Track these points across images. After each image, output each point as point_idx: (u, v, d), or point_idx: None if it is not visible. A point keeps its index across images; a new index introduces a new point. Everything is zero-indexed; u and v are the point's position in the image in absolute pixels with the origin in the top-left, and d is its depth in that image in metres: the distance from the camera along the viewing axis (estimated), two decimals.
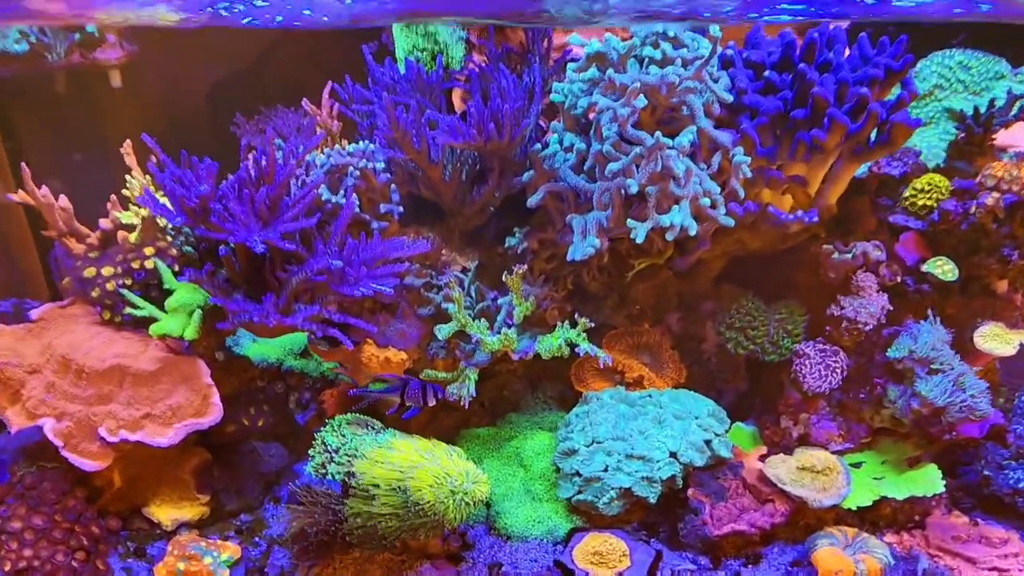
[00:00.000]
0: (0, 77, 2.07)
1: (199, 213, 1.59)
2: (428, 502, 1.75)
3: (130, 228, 1.96)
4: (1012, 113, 1.90)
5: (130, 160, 1.98)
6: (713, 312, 2.13)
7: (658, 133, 1.59)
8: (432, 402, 1.76)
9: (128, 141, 1.98)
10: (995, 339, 1.93)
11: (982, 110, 1.90)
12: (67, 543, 1.88)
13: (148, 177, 1.90)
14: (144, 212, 1.90)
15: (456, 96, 2.12)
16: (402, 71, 2.05)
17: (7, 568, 1.84)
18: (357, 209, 1.86)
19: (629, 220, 1.66)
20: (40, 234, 2.17)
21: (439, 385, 1.80)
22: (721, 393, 2.17)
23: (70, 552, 1.87)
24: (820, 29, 1.80)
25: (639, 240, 1.65)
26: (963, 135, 1.96)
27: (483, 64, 2.06)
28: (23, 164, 1.85)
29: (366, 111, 2.06)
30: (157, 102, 2.24)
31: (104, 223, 1.95)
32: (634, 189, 1.65)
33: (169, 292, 1.92)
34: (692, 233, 1.65)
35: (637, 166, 1.66)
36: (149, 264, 1.89)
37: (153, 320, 1.89)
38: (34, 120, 2.20)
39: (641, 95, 1.62)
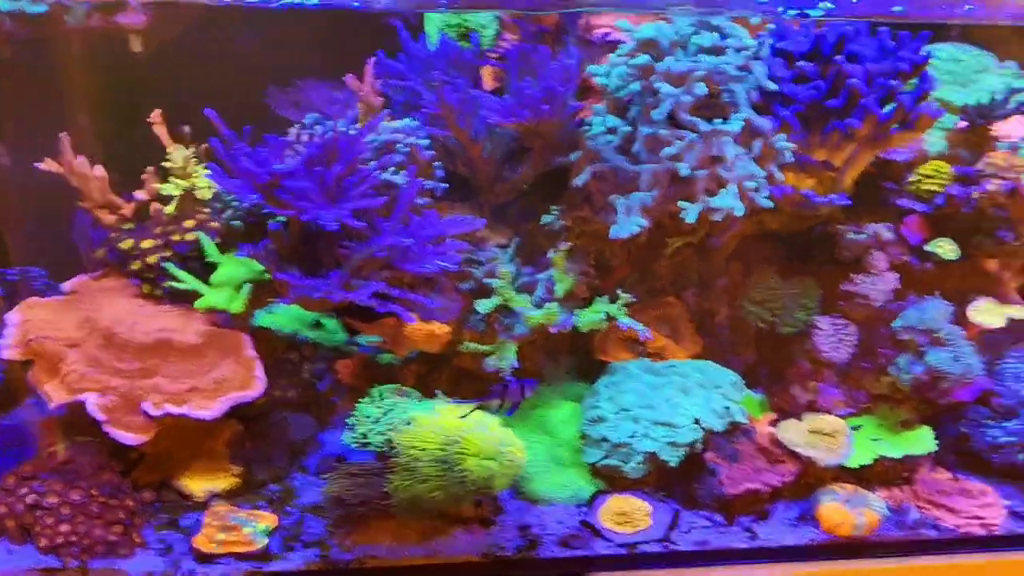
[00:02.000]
0: (15, 39, 1.99)
1: (269, 190, 1.59)
2: (473, 470, 1.80)
3: (164, 200, 1.94)
4: (1009, 106, 2.08)
5: (160, 130, 1.95)
6: (726, 288, 2.25)
7: (717, 120, 1.68)
8: (529, 394, 1.77)
9: (157, 111, 1.95)
10: (987, 313, 2.13)
11: (977, 102, 2.08)
12: (104, 517, 1.87)
13: (191, 149, 1.88)
14: (184, 184, 1.88)
15: (486, 74, 2.16)
16: (432, 48, 2.08)
17: (43, 544, 1.83)
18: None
19: (680, 201, 1.75)
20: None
21: (531, 379, 1.81)
22: (729, 363, 2.29)
23: (107, 526, 1.86)
24: (844, 24, 1.92)
25: (690, 219, 1.75)
26: (966, 125, 2.12)
27: (515, 43, 2.10)
28: (63, 134, 1.80)
29: (400, 86, 2.08)
30: (181, 69, 2.19)
31: (139, 194, 1.92)
32: (685, 172, 1.75)
33: (207, 265, 1.92)
34: (739, 214, 1.76)
35: (689, 150, 1.75)
36: (190, 237, 1.88)
37: (196, 293, 1.88)
38: (50, 85, 2.13)
39: (702, 83, 1.71)
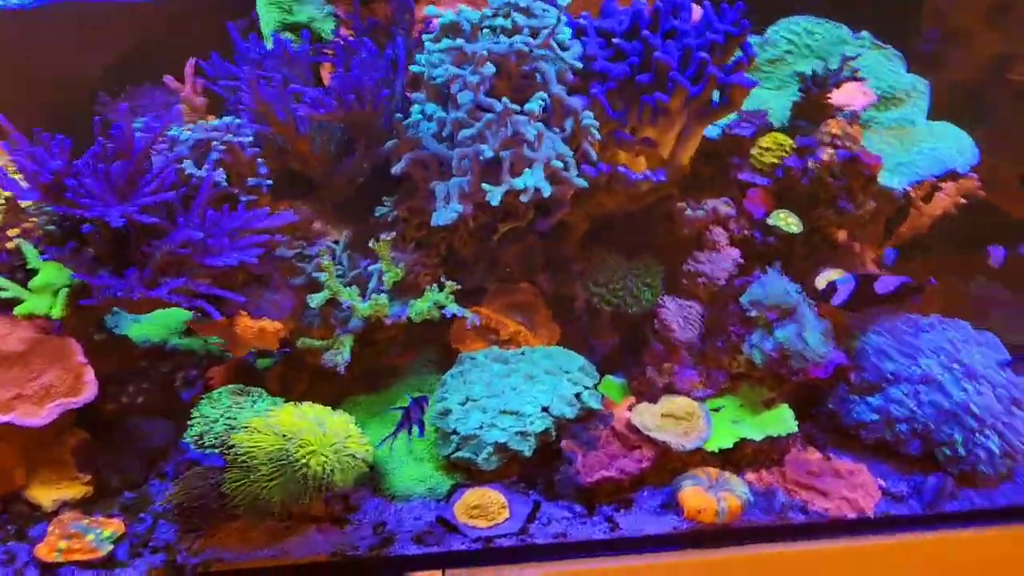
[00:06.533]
0: None
1: (53, 189, 1.60)
2: (311, 466, 1.79)
3: None
4: (844, 74, 2.05)
5: None
6: (581, 272, 2.23)
7: (505, 99, 1.66)
8: (426, 406, 1.87)
9: None
10: None
11: (811, 71, 2.05)
12: None
13: (3, 157, 1.89)
14: (7, 194, 1.89)
15: (325, 70, 2.16)
16: (269, 47, 2.08)
17: None
18: (225, 183, 1.89)
19: (484, 184, 1.74)
20: None
21: (424, 396, 1.90)
22: (593, 348, 2.28)
23: None
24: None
25: (494, 203, 1.73)
26: (803, 95, 2.10)
27: (349, 38, 2.10)
28: None
29: (233, 87, 2.08)
30: (12, 82, 2.21)
31: None
32: (488, 154, 1.73)
33: (35, 272, 1.93)
34: (546, 195, 1.74)
35: (491, 131, 1.74)
36: (11, 246, 1.88)
37: (19, 301, 1.89)
38: None
39: (490, 63, 1.69)
